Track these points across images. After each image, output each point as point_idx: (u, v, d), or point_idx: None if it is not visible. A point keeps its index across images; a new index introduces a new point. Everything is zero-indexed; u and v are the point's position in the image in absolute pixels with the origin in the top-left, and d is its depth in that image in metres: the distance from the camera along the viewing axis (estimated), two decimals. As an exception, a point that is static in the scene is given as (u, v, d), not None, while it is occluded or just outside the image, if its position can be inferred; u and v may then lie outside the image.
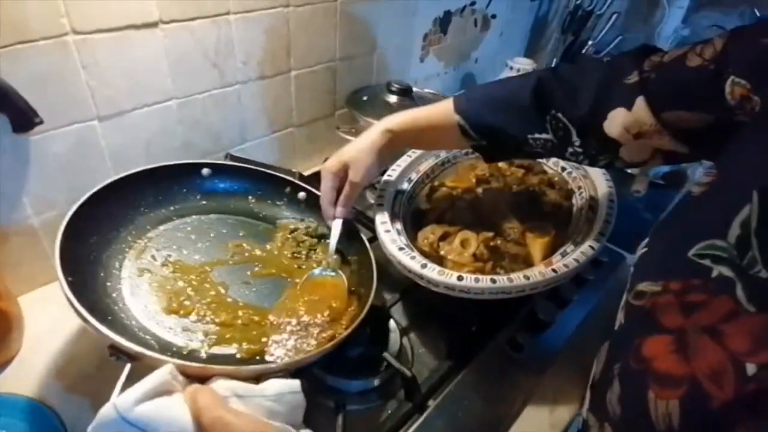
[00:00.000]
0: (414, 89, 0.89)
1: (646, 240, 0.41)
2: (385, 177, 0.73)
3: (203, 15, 0.66)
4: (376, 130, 0.61)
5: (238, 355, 0.50)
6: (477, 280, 0.55)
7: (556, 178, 0.79)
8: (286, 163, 0.91)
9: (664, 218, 0.41)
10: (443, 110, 0.60)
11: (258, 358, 0.50)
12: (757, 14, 1.23)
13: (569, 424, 0.58)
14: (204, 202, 0.67)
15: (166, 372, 0.39)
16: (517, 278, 0.56)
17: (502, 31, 1.33)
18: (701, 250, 0.33)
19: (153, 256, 0.58)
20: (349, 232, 0.65)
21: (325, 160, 0.92)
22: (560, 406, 0.59)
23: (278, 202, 0.72)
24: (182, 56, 0.66)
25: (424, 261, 0.58)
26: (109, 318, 0.48)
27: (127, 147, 0.67)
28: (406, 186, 0.75)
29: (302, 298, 0.57)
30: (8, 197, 0.59)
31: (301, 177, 0.88)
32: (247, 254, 0.63)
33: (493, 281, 0.55)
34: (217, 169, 0.68)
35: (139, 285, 0.54)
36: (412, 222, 0.73)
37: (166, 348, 0.48)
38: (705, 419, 0.29)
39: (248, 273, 0.61)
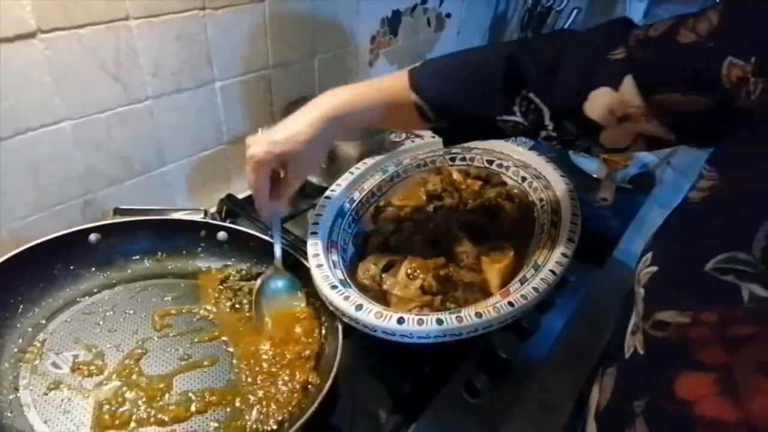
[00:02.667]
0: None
1: (649, 255, 0.34)
2: (322, 199, 0.64)
3: (94, 21, 0.56)
4: (313, 114, 0.50)
5: None
6: (421, 322, 0.47)
7: (515, 190, 0.71)
8: (218, 185, 0.81)
9: (661, 230, 0.36)
10: (397, 86, 0.51)
11: None
12: (718, 5, 1.18)
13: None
14: (103, 276, 0.56)
15: None
16: (468, 317, 0.48)
17: (459, 30, 1.26)
18: (720, 263, 0.28)
19: (54, 363, 0.47)
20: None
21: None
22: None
23: (195, 250, 0.61)
24: (71, 70, 0.56)
25: (360, 301, 0.49)
26: None
27: (9, 180, 0.56)
28: (347, 207, 0.66)
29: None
30: None
31: (234, 200, 0.79)
32: (180, 323, 0.54)
33: (440, 322, 0.47)
34: (107, 231, 0.56)
35: (52, 407, 0.44)
36: (356, 249, 0.64)
37: None
38: None
39: (188, 344, 0.52)
